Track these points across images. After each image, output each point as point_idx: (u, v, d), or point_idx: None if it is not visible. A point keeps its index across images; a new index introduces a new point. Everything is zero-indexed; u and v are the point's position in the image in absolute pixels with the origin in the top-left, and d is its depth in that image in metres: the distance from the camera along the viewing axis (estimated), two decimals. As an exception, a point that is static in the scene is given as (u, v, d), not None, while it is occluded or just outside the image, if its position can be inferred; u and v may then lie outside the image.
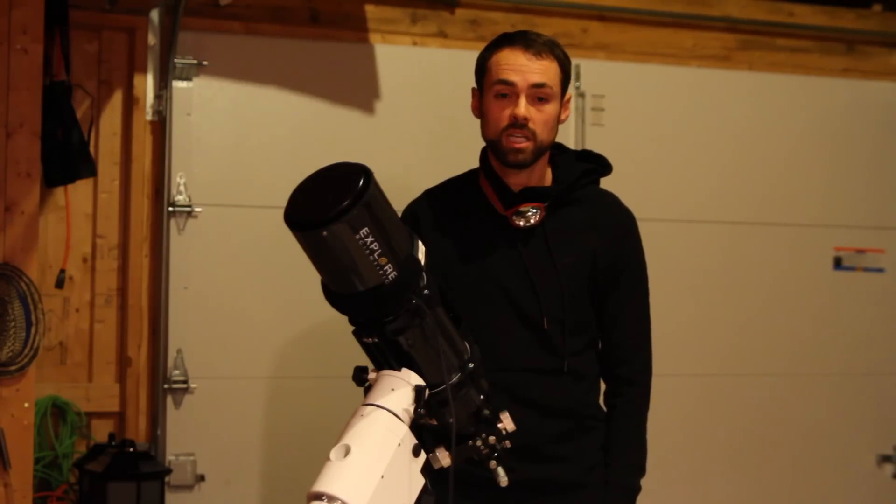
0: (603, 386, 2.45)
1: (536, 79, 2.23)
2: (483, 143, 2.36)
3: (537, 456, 2.28)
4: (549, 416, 2.30)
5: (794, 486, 3.96)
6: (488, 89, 2.27)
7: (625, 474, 2.37)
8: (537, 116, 2.24)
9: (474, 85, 2.36)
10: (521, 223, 2.28)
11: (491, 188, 2.33)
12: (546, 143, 2.28)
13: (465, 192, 2.39)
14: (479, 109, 2.32)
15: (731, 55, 4.01)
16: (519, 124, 2.22)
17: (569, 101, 2.35)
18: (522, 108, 2.22)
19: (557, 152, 2.40)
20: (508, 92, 2.24)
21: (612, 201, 2.45)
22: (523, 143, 2.23)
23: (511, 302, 2.30)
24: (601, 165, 2.43)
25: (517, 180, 2.30)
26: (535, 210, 2.28)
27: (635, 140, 3.83)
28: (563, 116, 2.33)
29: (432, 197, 2.43)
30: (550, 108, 2.26)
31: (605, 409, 2.42)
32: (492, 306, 2.29)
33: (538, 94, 2.23)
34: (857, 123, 4.09)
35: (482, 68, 2.31)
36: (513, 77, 2.23)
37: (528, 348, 2.30)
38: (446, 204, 2.38)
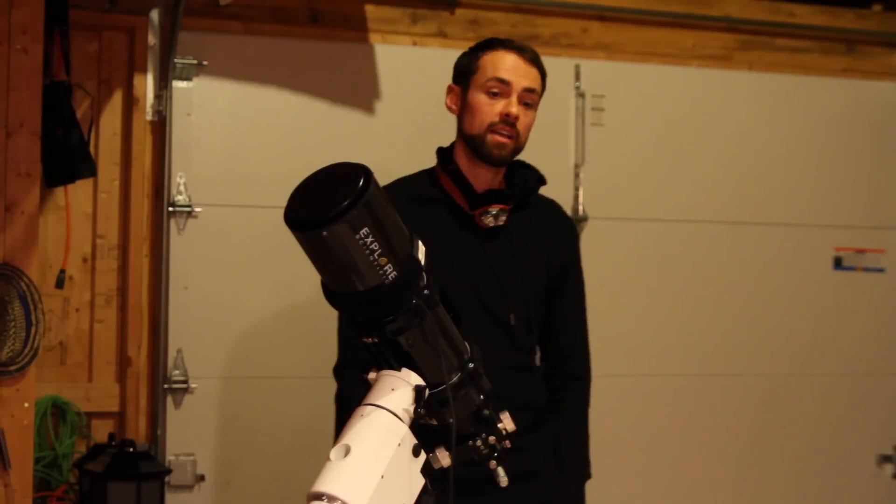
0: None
1: (529, 83, 2.34)
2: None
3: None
4: (515, 409, 2.36)
5: (794, 486, 3.96)
6: (478, 86, 2.34)
7: (580, 464, 2.49)
8: (524, 118, 2.34)
9: (450, 83, 2.44)
10: (490, 222, 2.35)
11: (455, 188, 2.39)
12: (522, 146, 2.38)
13: (426, 190, 2.44)
14: (460, 105, 2.39)
15: (731, 55, 4.01)
16: (509, 122, 2.30)
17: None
18: (515, 107, 2.31)
19: None
20: (501, 90, 2.31)
21: (557, 207, 2.58)
22: (508, 140, 2.31)
23: (479, 298, 2.37)
24: (541, 174, 2.53)
25: (482, 181, 2.38)
26: (501, 211, 2.36)
27: (635, 140, 3.83)
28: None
29: (391, 194, 2.45)
30: (532, 115, 2.37)
31: (550, 405, 2.52)
32: (460, 302, 2.32)
33: (527, 99, 2.33)
34: (858, 123, 4.09)
35: (472, 66, 2.38)
36: (509, 76, 2.31)
37: (497, 344, 2.37)
38: (408, 201, 2.41)
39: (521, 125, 2.32)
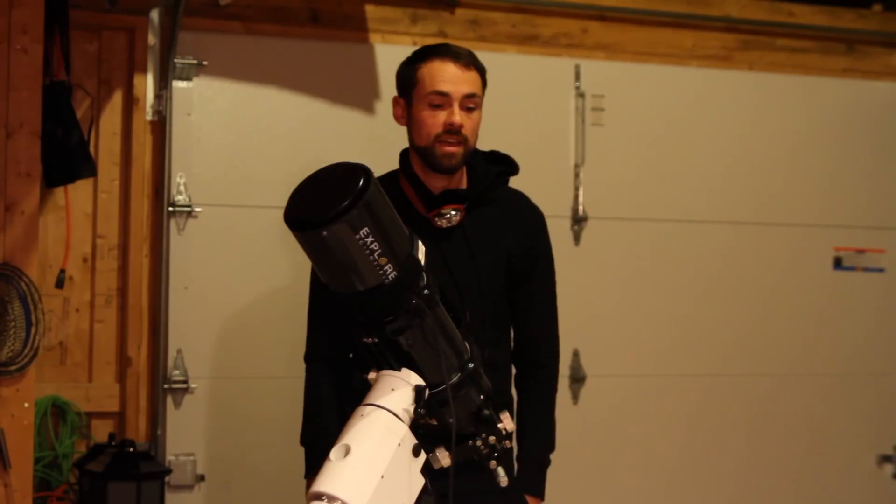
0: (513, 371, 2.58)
1: (468, 89, 2.36)
2: (400, 148, 2.49)
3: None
4: None
5: (795, 486, 3.96)
6: (420, 99, 2.38)
7: (539, 451, 2.50)
8: (468, 123, 2.37)
9: (395, 94, 2.47)
10: (443, 224, 2.38)
11: (413, 191, 2.41)
12: (472, 148, 2.41)
13: (388, 193, 2.44)
14: (406, 118, 2.44)
15: (731, 55, 4.01)
16: (454, 131, 2.34)
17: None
18: (457, 115, 2.34)
19: (472, 155, 2.50)
20: (441, 102, 2.35)
21: (523, 201, 2.59)
22: (455, 148, 2.35)
23: None
24: (510, 166, 2.55)
25: (438, 183, 2.40)
26: (455, 212, 2.38)
27: (635, 140, 3.83)
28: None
29: None
30: (477, 116, 2.40)
31: (514, 392, 2.55)
32: None
33: (468, 104, 2.36)
34: (858, 123, 4.09)
35: (411, 79, 2.41)
36: (447, 87, 2.35)
37: None
38: None
39: (466, 130, 2.36)
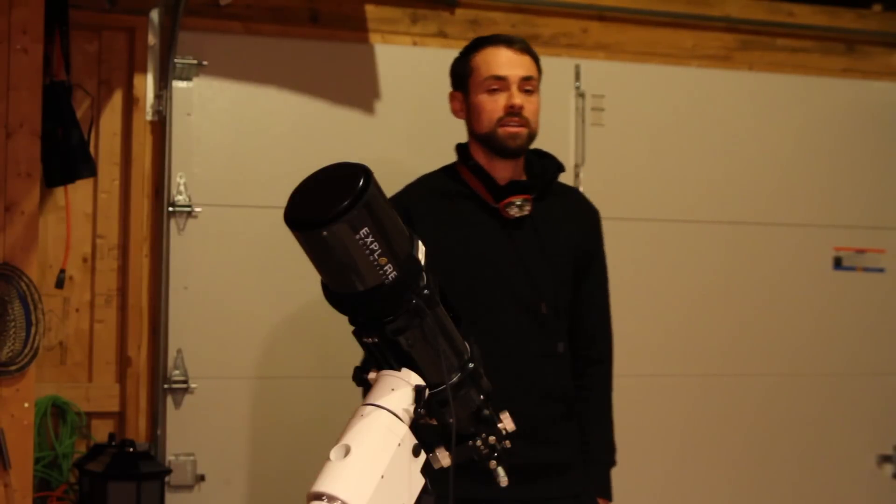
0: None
1: (525, 72, 2.39)
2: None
3: (539, 439, 2.38)
4: (546, 399, 2.44)
5: (795, 486, 3.96)
6: (477, 87, 2.40)
7: (605, 452, 2.53)
8: (528, 106, 2.39)
9: (451, 90, 2.50)
10: (515, 213, 2.39)
11: (478, 182, 2.43)
12: (534, 132, 2.43)
13: (449, 185, 2.47)
14: (466, 110, 2.45)
15: (731, 55, 4.01)
16: (515, 112, 2.35)
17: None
18: (517, 97, 2.36)
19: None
20: (499, 86, 2.37)
21: (580, 195, 2.65)
22: (519, 129, 2.37)
23: (509, 289, 2.42)
24: (559, 162, 2.58)
25: (503, 174, 2.42)
26: (525, 201, 2.40)
27: (635, 140, 3.83)
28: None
29: (417, 190, 2.51)
30: (536, 99, 2.42)
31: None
32: (491, 295, 2.41)
33: (526, 87, 2.38)
34: (857, 123, 4.09)
35: (466, 70, 2.44)
36: (504, 71, 2.37)
37: (527, 333, 2.43)
38: (434, 197, 2.46)
39: (527, 112, 2.37)
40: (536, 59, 2.45)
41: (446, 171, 2.53)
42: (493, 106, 2.37)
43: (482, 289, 2.41)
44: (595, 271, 2.57)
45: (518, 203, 2.39)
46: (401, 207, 2.45)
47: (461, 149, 2.50)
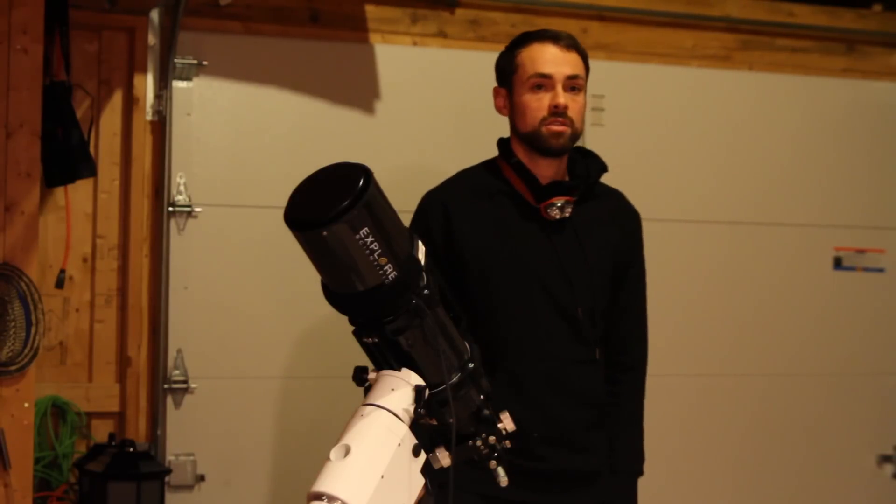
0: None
1: (571, 70, 2.33)
2: (497, 138, 2.44)
3: (570, 445, 2.35)
4: (582, 405, 2.39)
5: (794, 486, 3.96)
6: (522, 84, 2.34)
7: (633, 461, 2.48)
8: (574, 105, 2.33)
9: (496, 85, 2.44)
10: (556, 215, 2.34)
11: (520, 181, 2.38)
12: (579, 132, 2.37)
13: (490, 183, 2.43)
14: (510, 107, 2.39)
15: (731, 55, 4.01)
16: (560, 112, 2.30)
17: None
18: (562, 96, 2.31)
19: None
20: (545, 84, 2.31)
21: (622, 197, 2.56)
22: (563, 128, 2.31)
23: (546, 292, 2.36)
24: (601, 161, 2.52)
25: (545, 173, 2.37)
26: (567, 203, 2.35)
27: (635, 140, 3.83)
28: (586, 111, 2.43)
29: (457, 186, 2.47)
30: (582, 99, 2.36)
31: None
32: (528, 296, 2.37)
33: (572, 85, 2.33)
34: (857, 123, 4.09)
35: (511, 66, 2.38)
36: (549, 69, 2.31)
37: (563, 338, 2.37)
38: (474, 194, 2.42)
39: (572, 112, 2.32)
40: (584, 56, 2.39)
41: (487, 166, 2.47)
42: (537, 105, 2.32)
43: (518, 291, 2.36)
44: (633, 277, 2.51)
45: (559, 204, 2.34)
46: (439, 203, 2.44)
47: (503, 144, 2.45)
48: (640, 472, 2.49)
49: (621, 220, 2.49)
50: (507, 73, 2.39)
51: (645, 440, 3.82)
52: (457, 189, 2.47)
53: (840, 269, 4.06)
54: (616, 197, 2.54)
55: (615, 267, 2.44)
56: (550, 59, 2.32)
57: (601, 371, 2.44)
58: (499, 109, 2.43)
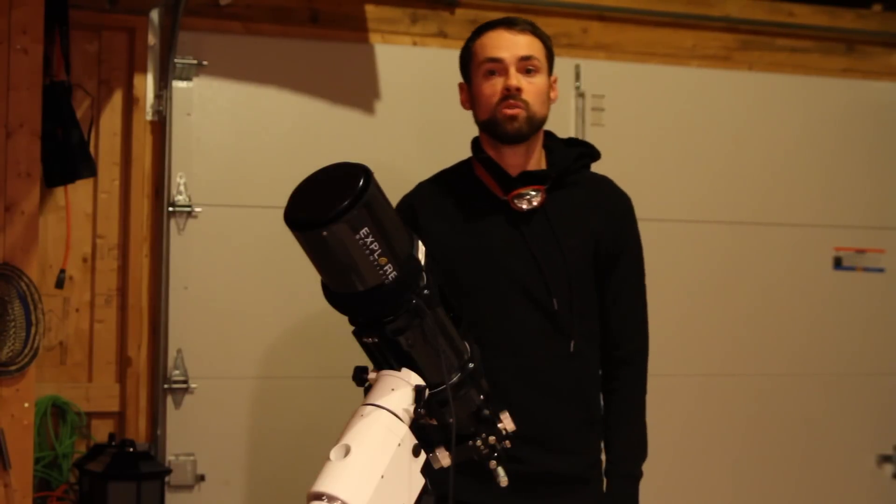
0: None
1: (523, 51, 2.27)
2: (473, 136, 2.40)
3: (548, 447, 2.26)
4: (562, 405, 2.29)
5: (794, 486, 3.96)
6: (476, 71, 2.30)
7: (628, 461, 2.36)
8: (528, 87, 2.26)
9: (461, 80, 2.41)
10: (524, 206, 2.28)
11: (488, 174, 2.33)
12: (539, 116, 2.30)
13: (461, 181, 2.40)
14: (470, 100, 2.36)
15: (731, 55, 4.01)
16: (512, 95, 2.24)
17: (555, 81, 2.38)
18: (514, 78, 2.25)
19: (548, 139, 2.42)
20: (497, 69, 2.27)
21: (608, 183, 2.46)
22: (517, 111, 2.24)
23: (519, 285, 2.30)
24: (592, 150, 2.45)
25: (514, 162, 2.31)
26: (535, 192, 2.28)
27: (635, 140, 3.83)
28: (552, 95, 2.36)
29: (427, 188, 2.45)
30: (539, 80, 2.29)
31: (602, 394, 2.40)
32: (499, 291, 2.30)
33: (527, 66, 2.27)
34: (857, 123, 4.09)
35: (467, 56, 2.35)
36: (500, 53, 2.27)
37: (538, 331, 2.29)
38: (443, 194, 2.39)
39: (527, 94, 2.26)
40: (544, 40, 2.33)
41: (461, 165, 2.43)
42: (490, 90, 2.27)
43: (487, 285, 2.29)
44: (625, 262, 2.38)
45: (526, 194, 2.27)
46: (407, 206, 2.42)
47: (474, 142, 2.41)
48: (636, 475, 2.37)
49: (607, 207, 2.38)
50: (466, 65, 2.35)
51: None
52: (426, 190, 2.44)
53: (840, 269, 4.06)
54: (603, 183, 2.44)
55: (600, 255, 2.34)
56: (502, 44, 2.27)
57: (587, 367, 2.34)
58: (463, 104, 2.39)
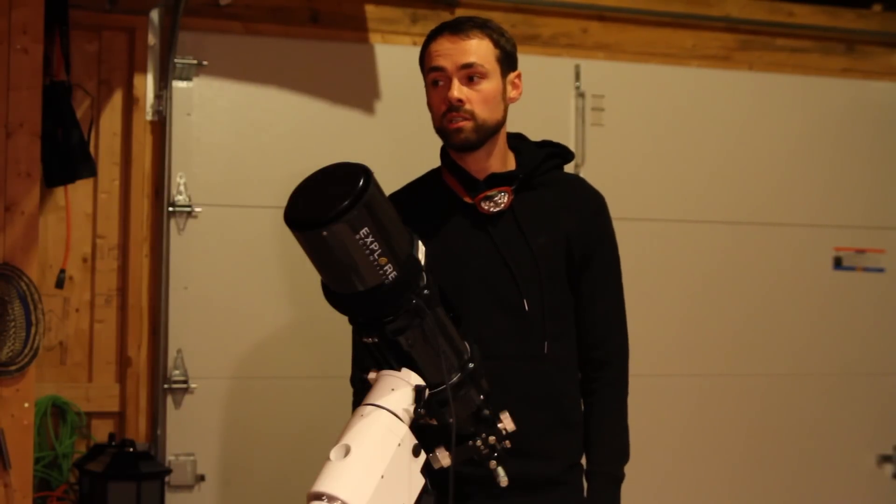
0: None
1: (464, 59, 2.20)
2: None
3: (521, 450, 2.23)
4: (535, 408, 2.24)
5: (794, 486, 3.96)
6: (426, 80, 2.26)
7: (609, 463, 2.30)
8: (473, 96, 2.20)
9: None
10: (491, 208, 2.25)
11: (455, 180, 2.31)
12: (490, 122, 2.24)
13: (430, 190, 2.36)
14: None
15: (731, 55, 4.01)
16: (454, 107, 2.20)
17: (518, 77, 2.31)
18: (455, 90, 2.19)
19: (518, 141, 2.38)
20: (441, 77, 2.22)
21: (579, 182, 2.42)
22: (461, 123, 2.20)
23: (489, 288, 2.26)
24: (564, 151, 2.40)
25: (477, 167, 2.27)
26: (502, 193, 2.25)
27: (635, 140, 3.83)
28: (512, 95, 2.30)
29: (396, 198, 2.40)
30: (486, 86, 2.22)
31: (582, 397, 2.34)
32: (469, 295, 2.24)
33: (469, 74, 2.20)
34: (857, 123, 4.09)
35: (421, 62, 2.30)
36: (441, 62, 2.21)
37: (510, 334, 2.25)
38: (412, 203, 2.34)
39: (472, 104, 2.20)
40: (495, 38, 2.24)
41: (431, 174, 2.39)
42: (437, 101, 2.22)
43: (454, 288, 2.14)
44: (599, 261, 2.32)
45: (493, 196, 2.23)
46: None
47: (442, 149, 2.35)
48: (618, 477, 2.30)
49: (577, 204, 2.33)
50: (421, 69, 2.31)
51: (644, 440, 3.81)
52: (395, 200, 2.40)
53: (840, 269, 4.06)
54: (574, 183, 2.40)
55: (573, 255, 2.29)
56: (443, 52, 2.21)
57: (561, 369, 2.29)
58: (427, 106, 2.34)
